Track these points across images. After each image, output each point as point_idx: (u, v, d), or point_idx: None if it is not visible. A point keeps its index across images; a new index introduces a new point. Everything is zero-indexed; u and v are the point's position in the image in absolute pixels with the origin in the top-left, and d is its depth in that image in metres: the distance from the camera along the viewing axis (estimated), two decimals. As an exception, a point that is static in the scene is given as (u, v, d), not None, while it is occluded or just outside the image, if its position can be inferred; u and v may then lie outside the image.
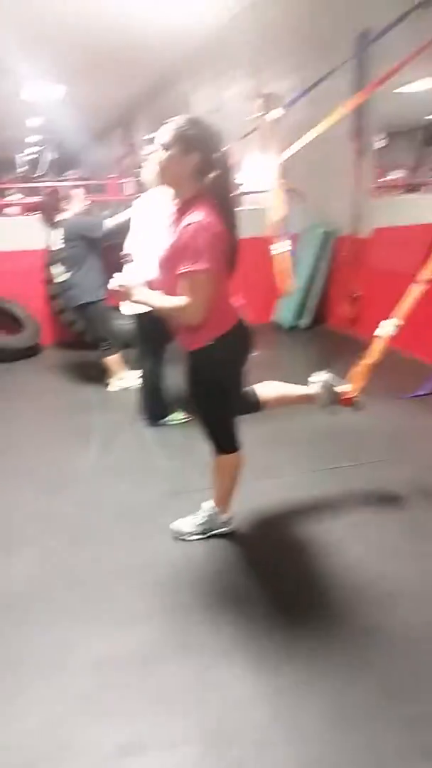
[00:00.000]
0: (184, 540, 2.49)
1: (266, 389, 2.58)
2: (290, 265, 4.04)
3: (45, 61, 9.17)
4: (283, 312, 6.22)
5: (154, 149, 4.03)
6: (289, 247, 4.06)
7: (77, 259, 4.36)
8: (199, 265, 2.01)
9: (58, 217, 4.60)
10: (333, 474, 3.00)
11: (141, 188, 3.95)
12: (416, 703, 1.68)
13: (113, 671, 1.85)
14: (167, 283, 2.16)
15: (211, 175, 2.06)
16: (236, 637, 1.96)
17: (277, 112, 4.57)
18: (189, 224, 2.02)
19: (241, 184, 6.29)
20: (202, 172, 2.07)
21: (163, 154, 2.09)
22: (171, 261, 2.09)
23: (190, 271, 2.02)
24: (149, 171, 3.76)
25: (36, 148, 19.86)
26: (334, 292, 6.03)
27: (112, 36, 8.07)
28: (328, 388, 2.67)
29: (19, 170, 19.72)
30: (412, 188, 6.52)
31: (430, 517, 2.61)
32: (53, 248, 4.67)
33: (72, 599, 2.19)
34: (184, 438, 3.45)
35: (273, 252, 4.02)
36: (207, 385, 2.27)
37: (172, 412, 3.72)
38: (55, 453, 3.44)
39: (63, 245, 4.49)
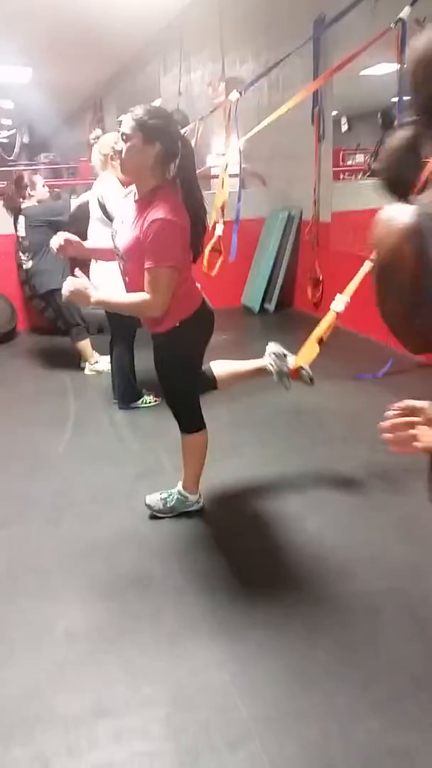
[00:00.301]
0: (155, 517, 2.64)
1: (220, 367, 2.69)
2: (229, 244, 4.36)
3: (13, 44, 9.10)
4: (252, 296, 6.35)
5: (100, 133, 4.09)
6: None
7: (42, 246, 4.43)
8: (164, 262, 2.10)
9: (23, 204, 4.65)
10: (293, 452, 3.16)
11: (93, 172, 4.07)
12: (368, 665, 1.83)
13: (86, 642, 1.99)
14: (131, 271, 2.24)
15: (174, 163, 2.14)
16: (202, 608, 2.11)
17: (234, 95, 4.65)
18: (154, 220, 2.08)
19: (210, 167, 6.36)
20: (165, 162, 2.15)
21: (124, 145, 2.14)
22: (136, 253, 2.16)
23: (154, 267, 2.11)
24: (95, 156, 3.86)
25: (8, 132, 19.60)
26: (300, 275, 6.16)
27: (78, 19, 8.03)
28: (277, 357, 2.75)
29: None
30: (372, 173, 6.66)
31: (385, 493, 2.78)
32: (19, 235, 4.72)
33: (47, 576, 2.32)
34: (155, 420, 3.59)
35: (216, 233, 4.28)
36: (173, 366, 2.40)
37: (143, 395, 3.85)
38: (29, 436, 3.56)
39: (26, 232, 4.57)
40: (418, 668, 1.80)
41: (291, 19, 5.60)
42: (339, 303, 3.12)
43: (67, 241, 2.37)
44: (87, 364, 4.62)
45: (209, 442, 2.55)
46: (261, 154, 5.95)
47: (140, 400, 3.85)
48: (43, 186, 4.70)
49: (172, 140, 2.14)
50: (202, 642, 1.96)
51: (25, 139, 19.54)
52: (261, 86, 6.20)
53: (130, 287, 2.30)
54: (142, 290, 2.18)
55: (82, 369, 4.63)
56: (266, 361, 2.76)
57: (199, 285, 2.39)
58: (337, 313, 3.15)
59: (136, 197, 2.24)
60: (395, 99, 4.16)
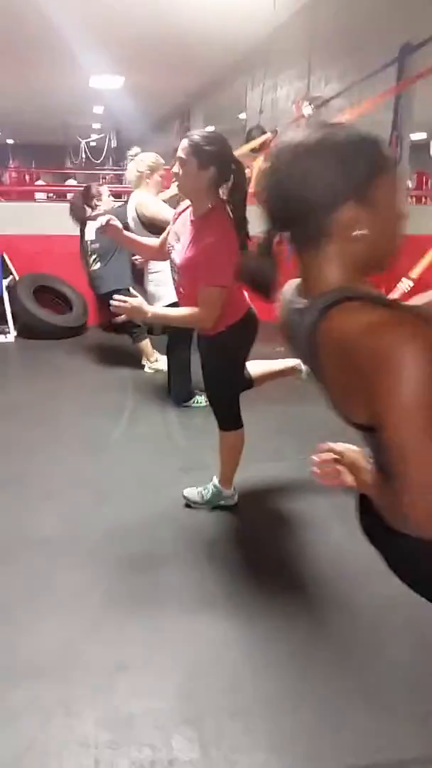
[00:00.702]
0: (191, 507, 2.84)
1: (255, 366, 2.84)
2: None
3: (108, 54, 9.56)
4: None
5: (139, 150, 4.33)
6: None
7: (107, 251, 4.74)
8: (217, 281, 2.29)
9: (91, 213, 4.91)
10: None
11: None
12: (367, 663, 1.97)
13: (119, 606, 2.21)
14: (186, 285, 2.45)
15: (226, 187, 2.33)
16: (222, 591, 2.29)
17: (307, 109, 4.82)
18: (208, 243, 2.29)
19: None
20: (218, 185, 2.33)
21: (180, 169, 2.34)
22: (190, 270, 2.37)
23: (207, 286, 2.31)
24: (131, 172, 4.09)
25: (96, 136, 20.41)
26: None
27: (172, 31, 8.36)
28: None
29: (82, 156, 20.24)
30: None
31: None
32: (88, 239, 5.01)
33: (90, 545, 2.56)
34: (204, 420, 3.77)
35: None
36: (218, 366, 2.59)
37: (195, 395, 4.06)
38: (89, 423, 3.83)
39: (96, 236, 4.87)
40: (414, 673, 1.92)
41: (379, 44, 5.74)
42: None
43: (110, 224, 2.58)
44: (147, 362, 4.87)
45: (253, 443, 2.74)
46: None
47: (192, 400, 4.06)
48: (109, 196, 4.98)
49: (225, 165, 2.31)
50: (219, 621, 2.14)
51: (113, 144, 20.30)
52: (343, 107, 6.36)
53: (183, 300, 2.50)
54: (195, 303, 2.38)
55: (143, 367, 4.89)
56: (297, 360, 2.86)
57: (246, 293, 2.56)
58: None
59: (192, 217, 2.43)
60: None
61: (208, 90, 12.30)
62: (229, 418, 2.68)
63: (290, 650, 2.02)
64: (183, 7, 7.25)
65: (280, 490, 3.02)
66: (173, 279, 2.57)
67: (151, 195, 3.99)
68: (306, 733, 1.72)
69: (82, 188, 5.14)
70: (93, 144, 20.93)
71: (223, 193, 2.39)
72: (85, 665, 1.95)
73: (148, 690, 1.86)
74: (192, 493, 2.87)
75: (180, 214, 2.55)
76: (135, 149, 4.45)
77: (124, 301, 2.31)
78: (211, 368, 2.62)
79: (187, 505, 2.85)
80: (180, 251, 2.44)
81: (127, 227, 4.50)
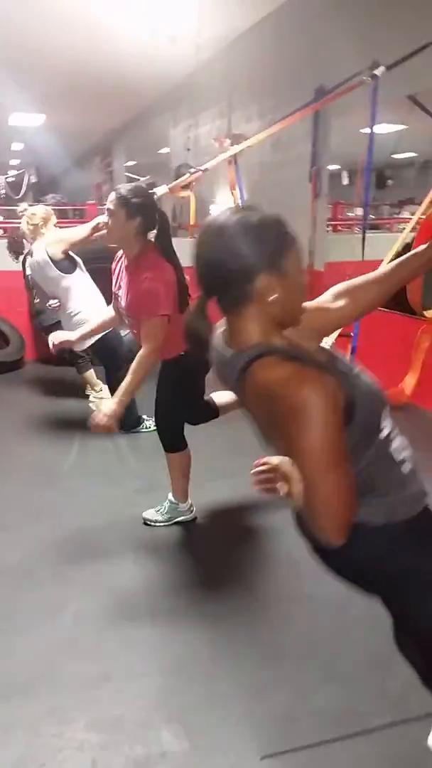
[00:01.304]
0: (151, 526, 2.97)
1: (220, 397, 3.03)
2: None
3: (29, 93, 9.70)
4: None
5: (26, 206, 4.48)
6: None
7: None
8: (155, 312, 2.52)
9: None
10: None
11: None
12: (332, 647, 2.18)
13: (89, 622, 2.32)
14: (137, 327, 2.64)
15: (153, 233, 2.60)
16: (190, 598, 2.44)
17: (235, 147, 5.11)
18: (143, 280, 2.52)
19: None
20: (145, 232, 2.60)
21: (109, 219, 2.60)
22: (135, 311, 2.60)
23: (148, 318, 2.53)
24: (24, 225, 4.24)
25: (15, 172, 20.35)
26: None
27: (93, 71, 8.62)
28: None
29: (1, 192, 20.13)
30: (373, 226, 7.17)
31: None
32: (29, 275, 5.09)
33: (57, 568, 2.65)
34: (154, 444, 3.89)
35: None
36: (167, 392, 2.76)
37: (142, 421, 4.20)
38: (38, 455, 3.90)
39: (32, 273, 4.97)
40: (377, 652, 2.13)
41: (294, 86, 6.15)
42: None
43: (63, 341, 2.87)
44: (92, 392, 4.97)
45: (206, 463, 2.92)
46: (261, 207, 6.43)
47: (141, 426, 4.20)
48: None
49: (150, 214, 2.58)
50: (189, 625, 2.29)
51: (33, 179, 20.29)
52: (264, 146, 6.74)
53: (136, 332, 2.69)
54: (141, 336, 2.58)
55: (88, 397, 4.98)
56: None
57: None
58: None
59: (125, 263, 2.68)
60: (395, 155, 4.65)
61: (129, 126, 12.61)
62: (172, 441, 2.86)
63: (259, 643, 2.19)
64: (105, 48, 7.50)
65: (234, 505, 3.20)
66: (126, 323, 2.78)
67: (50, 235, 4.13)
68: (282, 713, 1.88)
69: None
70: (11, 180, 20.89)
71: (149, 239, 2.64)
72: (68, 678, 2.05)
73: (132, 693, 1.98)
74: (150, 513, 3.01)
75: (117, 263, 2.78)
76: (23, 205, 4.60)
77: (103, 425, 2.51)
78: (161, 393, 2.78)
79: (146, 523, 2.98)
80: (124, 296, 2.66)
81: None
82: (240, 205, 5.23)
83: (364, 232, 4.13)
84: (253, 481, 1.32)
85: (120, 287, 2.71)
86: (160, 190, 4.89)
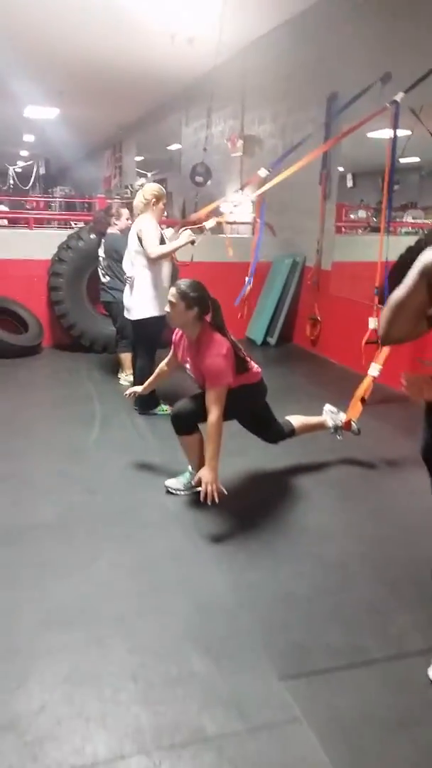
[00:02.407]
0: (173, 494, 3.26)
1: (295, 419, 3.56)
2: None
3: (46, 86, 9.95)
4: (256, 329, 7.06)
5: (144, 181, 4.82)
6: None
7: (111, 268, 5.19)
8: (220, 382, 2.98)
9: (108, 230, 5.32)
10: (288, 456, 3.80)
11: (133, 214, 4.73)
12: (338, 591, 2.47)
13: (124, 570, 2.60)
14: (198, 382, 3.17)
15: (208, 317, 3.13)
16: (212, 553, 2.73)
17: (263, 172, 5.42)
18: (211, 360, 3.00)
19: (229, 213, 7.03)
20: (201, 317, 3.10)
21: (173, 309, 3.11)
22: (202, 381, 3.08)
23: (213, 388, 2.98)
24: (138, 199, 4.55)
25: (23, 163, 20.59)
26: (300, 314, 6.89)
27: (109, 69, 8.87)
28: (333, 414, 3.75)
29: (9, 182, 20.34)
30: (374, 228, 7.45)
31: (360, 488, 3.45)
32: (100, 256, 5.40)
33: (90, 526, 2.94)
34: (170, 424, 4.21)
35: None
36: (232, 403, 3.10)
37: (160, 404, 4.48)
38: (64, 432, 4.18)
39: (103, 254, 5.28)
40: (377, 602, 2.42)
41: (307, 92, 6.43)
42: (374, 369, 3.88)
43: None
44: (123, 374, 5.24)
45: (223, 442, 3.21)
46: (272, 208, 6.68)
47: (157, 408, 4.48)
48: (127, 219, 5.33)
49: (204, 303, 3.11)
50: (212, 573, 2.60)
51: (42, 171, 20.54)
52: (276, 148, 7.02)
53: (202, 387, 3.15)
54: (208, 400, 3.04)
55: (118, 378, 5.26)
56: (325, 417, 3.77)
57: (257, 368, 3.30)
58: (374, 378, 3.95)
59: (187, 343, 3.23)
60: (401, 160, 4.91)
61: (141, 122, 12.86)
62: (187, 427, 3.22)
63: (274, 590, 2.49)
64: (123, 46, 7.76)
65: (246, 478, 3.51)
66: (171, 364, 3.45)
67: (151, 218, 4.40)
68: (296, 646, 2.17)
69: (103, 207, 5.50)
70: (19, 170, 21.14)
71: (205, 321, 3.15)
72: (104, 615, 2.33)
73: (163, 627, 2.26)
74: (172, 482, 3.30)
75: (179, 337, 3.32)
76: (141, 180, 4.90)
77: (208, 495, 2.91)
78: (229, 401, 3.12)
79: (169, 492, 3.27)
80: (191, 369, 3.22)
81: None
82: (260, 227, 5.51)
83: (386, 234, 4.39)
84: (404, 385, 1.72)
85: (187, 361, 3.24)
86: (209, 224, 5.30)
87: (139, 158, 14.47)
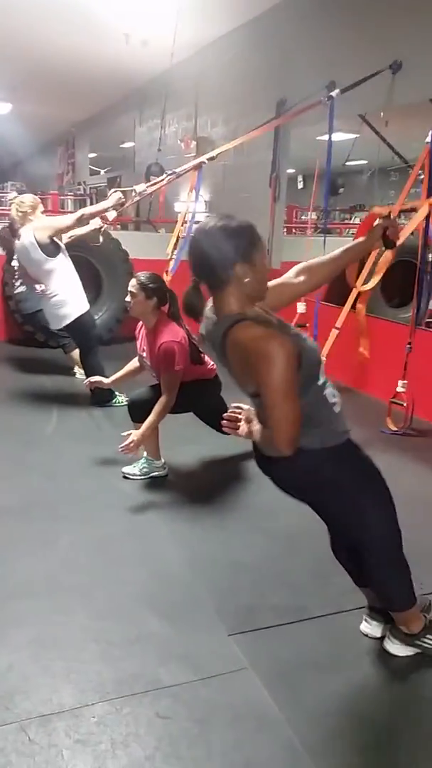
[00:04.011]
0: (130, 479, 3.44)
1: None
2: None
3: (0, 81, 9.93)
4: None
5: (15, 194, 4.92)
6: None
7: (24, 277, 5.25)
8: (173, 367, 3.18)
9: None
10: (234, 443, 3.97)
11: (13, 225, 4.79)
12: (285, 558, 2.71)
13: (84, 547, 2.77)
14: (154, 372, 3.35)
15: (166, 308, 3.35)
16: (170, 529, 2.93)
17: (204, 158, 5.58)
18: (163, 344, 3.19)
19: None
20: (159, 307, 3.32)
21: (132, 299, 3.30)
22: (156, 367, 3.29)
23: (167, 373, 3.19)
24: (14, 212, 4.59)
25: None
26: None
27: (64, 66, 8.92)
28: None
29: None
30: (323, 230, 7.76)
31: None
32: (14, 266, 5.48)
33: (51, 510, 3.09)
34: (126, 415, 4.36)
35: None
36: (184, 396, 3.30)
37: (116, 395, 4.64)
38: (21, 422, 4.30)
39: (18, 264, 5.34)
40: (319, 568, 2.65)
41: (258, 96, 6.67)
42: None
43: (97, 381, 3.70)
44: (79, 370, 5.38)
45: (175, 431, 3.47)
46: (225, 209, 6.91)
47: (114, 400, 4.63)
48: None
49: (162, 294, 3.33)
50: (172, 547, 2.80)
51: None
52: (228, 151, 7.22)
53: (160, 382, 3.34)
54: (163, 387, 3.27)
55: (74, 374, 5.38)
56: None
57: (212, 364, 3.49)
58: None
59: (146, 331, 3.40)
60: (348, 163, 5.18)
61: (95, 120, 12.90)
62: (141, 414, 3.36)
63: (227, 560, 2.71)
64: (78, 43, 7.82)
65: (200, 463, 3.72)
66: (141, 365, 3.54)
67: (38, 221, 4.51)
68: (245, 608, 2.39)
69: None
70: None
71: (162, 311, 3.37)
72: (66, 587, 2.49)
73: (123, 596, 2.44)
74: (129, 468, 3.48)
75: (139, 330, 3.48)
76: (12, 194, 4.98)
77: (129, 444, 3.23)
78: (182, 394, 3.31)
79: (125, 478, 3.45)
80: (148, 357, 3.40)
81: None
82: (207, 208, 5.72)
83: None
84: (223, 423, 1.92)
85: (144, 350, 3.42)
86: (139, 188, 5.34)
87: (92, 155, 14.50)
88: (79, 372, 5.37)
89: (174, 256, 5.60)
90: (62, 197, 12.32)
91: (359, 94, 4.77)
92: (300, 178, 10.35)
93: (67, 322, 4.61)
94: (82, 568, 2.63)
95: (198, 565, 2.67)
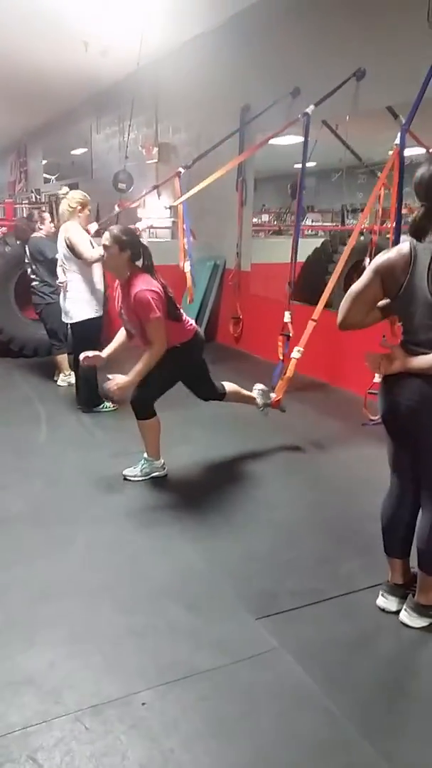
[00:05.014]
0: (131, 480, 3.53)
1: (229, 386, 3.78)
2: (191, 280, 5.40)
3: None
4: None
5: (68, 190, 5.07)
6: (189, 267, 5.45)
7: (36, 272, 5.36)
8: (152, 313, 3.20)
9: (32, 235, 5.44)
10: (226, 441, 4.16)
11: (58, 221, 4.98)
12: (287, 552, 2.84)
13: (101, 548, 2.86)
14: (137, 329, 3.34)
15: (140, 262, 3.35)
16: (182, 526, 3.04)
17: (181, 170, 5.72)
18: (137, 292, 3.21)
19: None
20: (133, 260, 3.35)
21: (106, 252, 3.34)
22: (135, 319, 3.28)
23: (148, 321, 3.21)
24: (63, 207, 4.77)
25: None
26: (222, 314, 7.27)
27: (15, 73, 8.80)
28: (264, 394, 4.00)
29: None
30: (277, 231, 7.99)
31: (292, 459, 3.90)
32: (26, 260, 5.52)
33: (60, 514, 3.16)
34: (116, 420, 4.47)
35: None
36: (162, 369, 3.31)
37: (103, 401, 4.71)
38: (12, 432, 4.34)
39: (29, 259, 5.41)
40: (326, 554, 2.81)
41: (222, 103, 6.80)
42: (296, 353, 4.20)
43: (95, 357, 3.54)
44: (62, 375, 5.41)
45: (169, 432, 3.56)
46: (193, 213, 7.02)
47: (101, 405, 4.70)
48: (51, 222, 5.49)
49: (136, 247, 3.36)
50: (184, 544, 2.91)
51: None
52: (191, 155, 7.34)
53: (141, 339, 3.38)
54: (147, 338, 3.28)
55: (55, 381, 5.41)
56: (255, 394, 4.00)
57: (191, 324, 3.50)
58: (297, 360, 4.22)
59: (122, 287, 3.37)
60: (297, 165, 5.33)
61: (48, 127, 12.83)
62: (146, 410, 3.44)
63: (239, 552, 2.84)
64: (33, 49, 7.75)
65: (196, 463, 3.84)
66: (128, 331, 3.49)
67: (77, 225, 4.62)
68: (264, 593, 2.52)
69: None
70: None
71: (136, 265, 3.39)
72: (87, 584, 2.58)
73: (145, 591, 2.54)
74: (129, 470, 3.57)
75: (116, 290, 3.47)
76: (65, 189, 5.10)
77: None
78: (158, 368, 3.31)
79: (126, 480, 3.54)
80: (125, 313, 3.38)
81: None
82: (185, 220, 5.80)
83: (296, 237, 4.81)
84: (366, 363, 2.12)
85: (122, 308, 3.40)
86: (142, 225, 5.58)
87: (45, 162, 14.41)
88: (61, 379, 5.42)
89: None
90: (17, 205, 12.21)
91: (326, 101, 4.96)
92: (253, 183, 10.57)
93: (81, 318, 4.63)
94: (101, 567, 2.72)
95: (211, 558, 2.79)
